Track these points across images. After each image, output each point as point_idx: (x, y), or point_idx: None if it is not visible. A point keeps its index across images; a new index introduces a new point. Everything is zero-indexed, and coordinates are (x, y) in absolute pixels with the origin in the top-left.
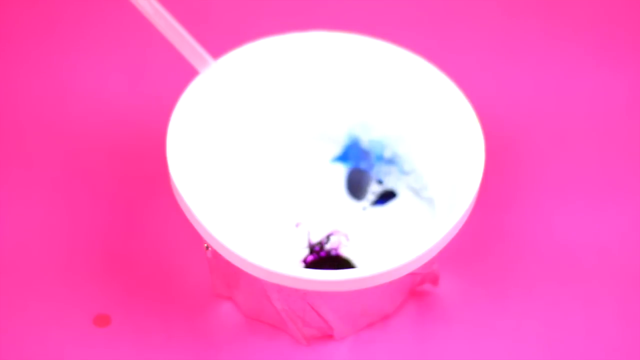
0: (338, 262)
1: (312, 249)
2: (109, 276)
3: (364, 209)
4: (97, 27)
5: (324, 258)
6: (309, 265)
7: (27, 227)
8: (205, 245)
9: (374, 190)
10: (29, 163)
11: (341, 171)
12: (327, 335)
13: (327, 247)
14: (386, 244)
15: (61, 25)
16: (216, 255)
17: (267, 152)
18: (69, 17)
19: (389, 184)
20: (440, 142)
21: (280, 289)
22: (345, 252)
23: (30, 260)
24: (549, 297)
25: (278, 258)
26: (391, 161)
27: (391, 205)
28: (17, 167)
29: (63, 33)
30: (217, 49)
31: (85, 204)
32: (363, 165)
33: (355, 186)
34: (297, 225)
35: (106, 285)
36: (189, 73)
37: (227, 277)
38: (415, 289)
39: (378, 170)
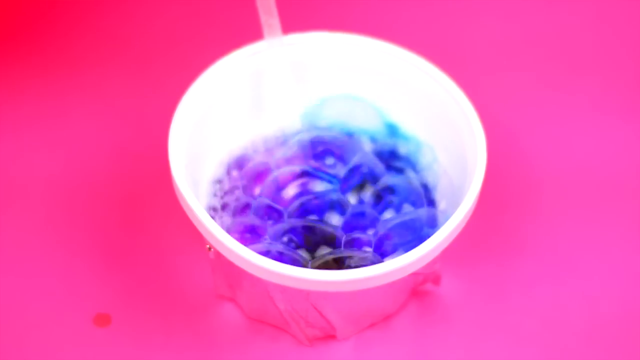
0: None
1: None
2: (109, 276)
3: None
4: (98, 27)
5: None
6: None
7: (27, 227)
8: (208, 246)
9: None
10: (28, 163)
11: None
12: (329, 336)
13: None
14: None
15: (62, 24)
16: (218, 255)
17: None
18: (69, 17)
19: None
20: (442, 142)
21: (283, 290)
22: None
23: (30, 260)
24: (548, 297)
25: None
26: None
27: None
28: (17, 167)
29: (64, 33)
30: (218, 50)
31: (85, 204)
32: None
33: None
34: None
35: (106, 285)
36: (191, 73)
37: (229, 278)
38: (417, 288)
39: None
